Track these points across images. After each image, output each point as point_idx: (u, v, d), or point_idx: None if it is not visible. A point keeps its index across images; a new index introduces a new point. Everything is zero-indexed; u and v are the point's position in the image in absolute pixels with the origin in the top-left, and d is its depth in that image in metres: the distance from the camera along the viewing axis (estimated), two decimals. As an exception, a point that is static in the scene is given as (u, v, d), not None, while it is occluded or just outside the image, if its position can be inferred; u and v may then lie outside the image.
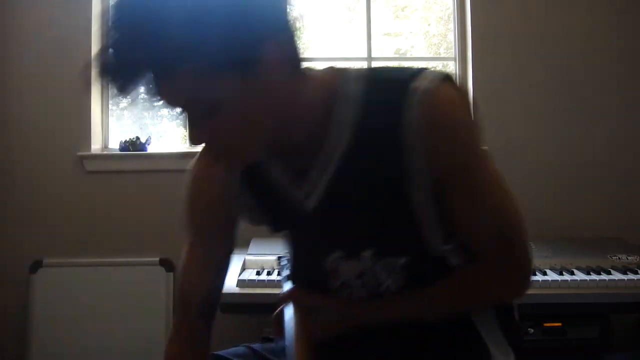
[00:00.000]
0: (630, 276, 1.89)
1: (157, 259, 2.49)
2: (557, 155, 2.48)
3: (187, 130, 0.82)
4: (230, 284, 1.83)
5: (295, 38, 0.81)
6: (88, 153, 2.53)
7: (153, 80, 0.75)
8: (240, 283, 1.87)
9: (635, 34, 2.51)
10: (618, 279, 1.87)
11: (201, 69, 0.73)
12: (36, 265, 2.48)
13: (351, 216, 0.90)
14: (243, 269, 2.02)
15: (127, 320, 2.44)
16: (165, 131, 2.77)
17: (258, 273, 1.95)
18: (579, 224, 2.42)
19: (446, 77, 0.84)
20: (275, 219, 1.01)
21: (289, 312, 0.97)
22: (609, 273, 1.93)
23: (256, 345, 1.10)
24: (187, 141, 0.87)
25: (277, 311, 1.04)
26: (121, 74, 0.74)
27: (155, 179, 2.53)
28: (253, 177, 0.97)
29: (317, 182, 0.90)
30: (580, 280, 1.87)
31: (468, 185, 0.85)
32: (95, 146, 2.59)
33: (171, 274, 2.48)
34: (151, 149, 2.60)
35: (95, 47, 2.57)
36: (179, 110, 0.81)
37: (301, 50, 0.82)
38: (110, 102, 2.69)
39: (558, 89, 2.50)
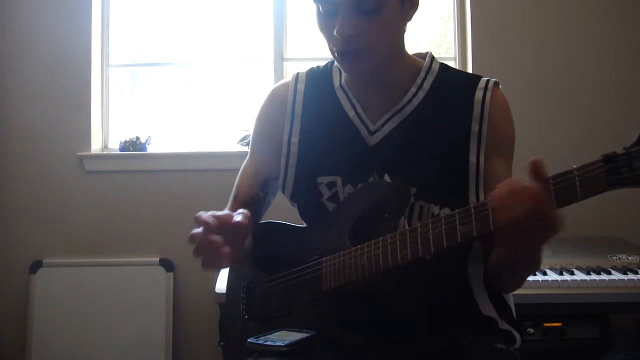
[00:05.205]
0: (630, 276, 1.89)
1: (157, 259, 2.49)
2: (557, 154, 2.47)
3: (338, 24, 0.99)
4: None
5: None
6: (88, 153, 2.53)
7: None
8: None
9: (637, 32, 2.51)
10: (618, 279, 1.87)
11: None
12: (36, 265, 2.48)
13: (411, 157, 1.08)
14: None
15: (127, 320, 2.44)
16: (165, 131, 2.77)
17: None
18: (579, 224, 2.41)
19: None
20: (326, 151, 1.15)
21: None
22: (609, 273, 1.93)
23: None
24: (336, 31, 1.01)
25: None
26: None
27: (155, 179, 2.53)
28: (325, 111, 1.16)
29: (387, 123, 1.10)
30: (580, 280, 1.87)
31: (509, 157, 1.12)
32: (95, 146, 2.59)
33: (171, 274, 2.48)
34: (151, 149, 2.60)
35: (95, 47, 2.58)
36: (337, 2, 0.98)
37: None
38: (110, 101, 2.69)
39: (558, 88, 2.49)
